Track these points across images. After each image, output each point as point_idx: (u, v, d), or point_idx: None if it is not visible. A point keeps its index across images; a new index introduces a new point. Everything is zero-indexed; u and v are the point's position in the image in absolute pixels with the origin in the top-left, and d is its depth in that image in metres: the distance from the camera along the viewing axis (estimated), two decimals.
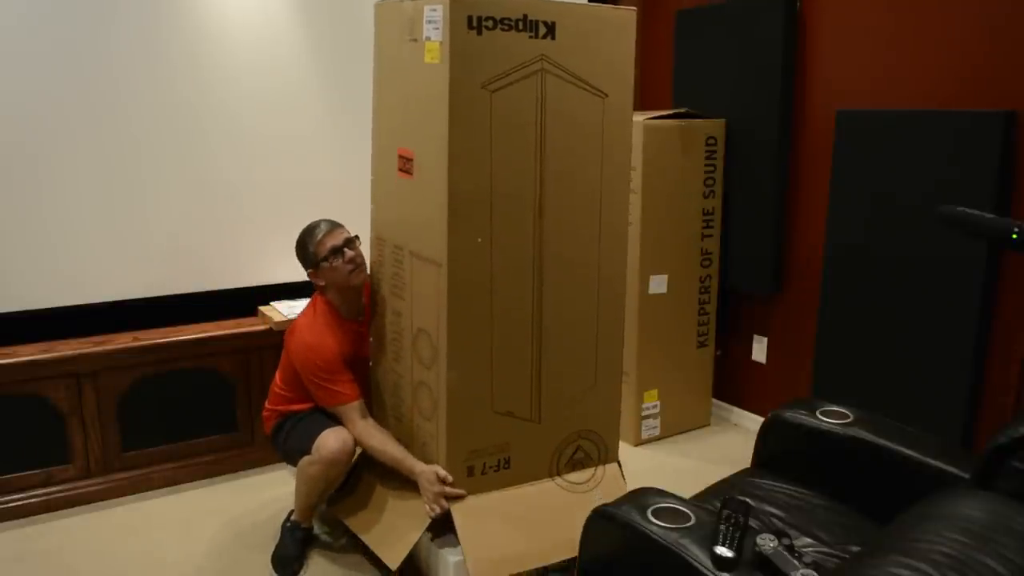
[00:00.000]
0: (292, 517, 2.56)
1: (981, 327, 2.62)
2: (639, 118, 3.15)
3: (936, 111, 2.68)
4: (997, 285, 2.62)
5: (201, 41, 3.06)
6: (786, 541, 1.48)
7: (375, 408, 2.55)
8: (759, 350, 3.52)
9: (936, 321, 2.71)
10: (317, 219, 2.46)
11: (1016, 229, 1.79)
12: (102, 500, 2.91)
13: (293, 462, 2.51)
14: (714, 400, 3.68)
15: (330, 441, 2.35)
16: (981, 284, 2.59)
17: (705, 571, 1.44)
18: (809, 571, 1.40)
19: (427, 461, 2.26)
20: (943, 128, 2.63)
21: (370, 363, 2.55)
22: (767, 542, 1.46)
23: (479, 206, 2.07)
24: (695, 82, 3.58)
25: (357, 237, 2.44)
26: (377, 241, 2.46)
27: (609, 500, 2.32)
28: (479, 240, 2.08)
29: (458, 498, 2.19)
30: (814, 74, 3.15)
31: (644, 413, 3.42)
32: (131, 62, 2.96)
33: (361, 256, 2.43)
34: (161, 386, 2.98)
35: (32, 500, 2.81)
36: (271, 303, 3.19)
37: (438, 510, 2.17)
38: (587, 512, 2.29)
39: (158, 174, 3.07)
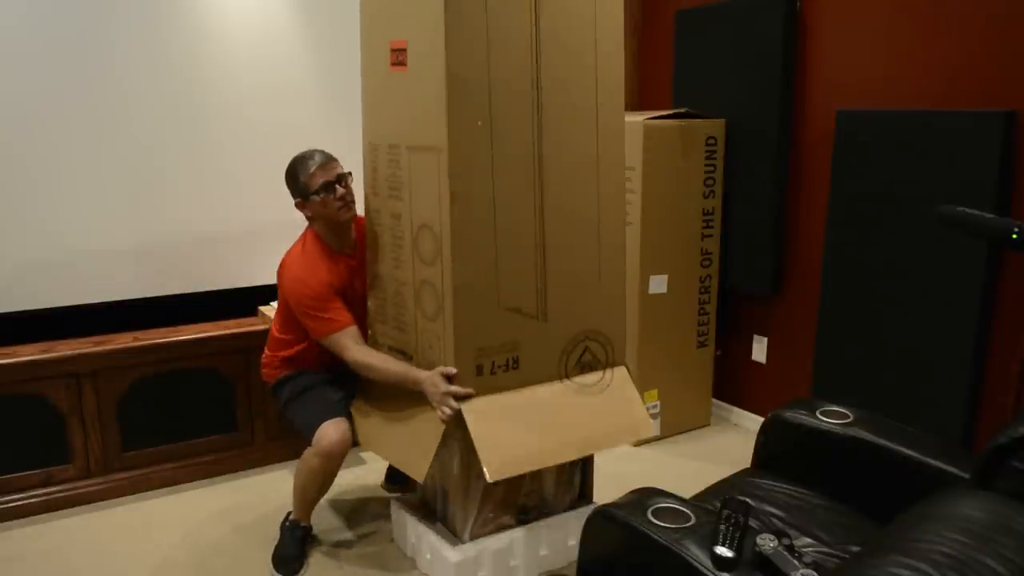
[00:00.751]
0: (291, 516, 2.56)
1: (981, 327, 2.62)
2: (639, 118, 3.15)
3: (936, 111, 2.68)
4: (997, 285, 2.62)
5: (202, 42, 3.07)
6: (786, 541, 1.48)
7: (377, 324, 2.50)
8: (759, 350, 3.53)
9: (936, 321, 2.71)
10: (311, 149, 2.42)
11: (1016, 229, 1.79)
12: (102, 500, 2.91)
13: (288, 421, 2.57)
14: (714, 400, 3.68)
15: (330, 432, 2.36)
16: (981, 284, 2.59)
17: (705, 571, 1.44)
18: (809, 571, 1.40)
19: (433, 365, 2.21)
20: (943, 128, 2.63)
21: (367, 279, 2.51)
22: (767, 542, 1.46)
23: (477, 88, 2.05)
24: (695, 82, 3.58)
25: (350, 174, 2.43)
26: (371, 149, 2.41)
27: (620, 401, 2.37)
28: (479, 123, 2.06)
29: (467, 397, 2.15)
30: (814, 74, 3.15)
31: None
32: (132, 63, 2.96)
33: (352, 194, 2.42)
34: (161, 386, 2.98)
35: (32, 500, 2.81)
36: (271, 303, 3.19)
37: (448, 412, 2.13)
38: (599, 412, 2.34)
39: (158, 175, 3.07)
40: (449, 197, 2.06)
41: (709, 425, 3.63)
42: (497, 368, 2.21)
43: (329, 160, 2.40)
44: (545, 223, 2.21)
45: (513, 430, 2.19)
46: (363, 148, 2.44)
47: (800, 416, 2.05)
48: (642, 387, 3.39)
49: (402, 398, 2.35)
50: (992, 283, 2.61)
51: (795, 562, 1.42)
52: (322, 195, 2.36)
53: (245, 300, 3.22)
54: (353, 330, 2.38)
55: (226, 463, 3.12)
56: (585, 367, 2.37)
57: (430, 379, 2.18)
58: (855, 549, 1.69)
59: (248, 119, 3.19)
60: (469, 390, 2.15)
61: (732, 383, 3.68)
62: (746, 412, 3.62)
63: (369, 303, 2.51)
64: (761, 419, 2.27)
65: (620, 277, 2.41)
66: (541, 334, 2.26)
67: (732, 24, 3.35)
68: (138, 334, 2.99)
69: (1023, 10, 2.48)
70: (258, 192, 3.25)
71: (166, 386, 2.99)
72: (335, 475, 2.48)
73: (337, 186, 2.37)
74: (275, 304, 3.16)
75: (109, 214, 3.00)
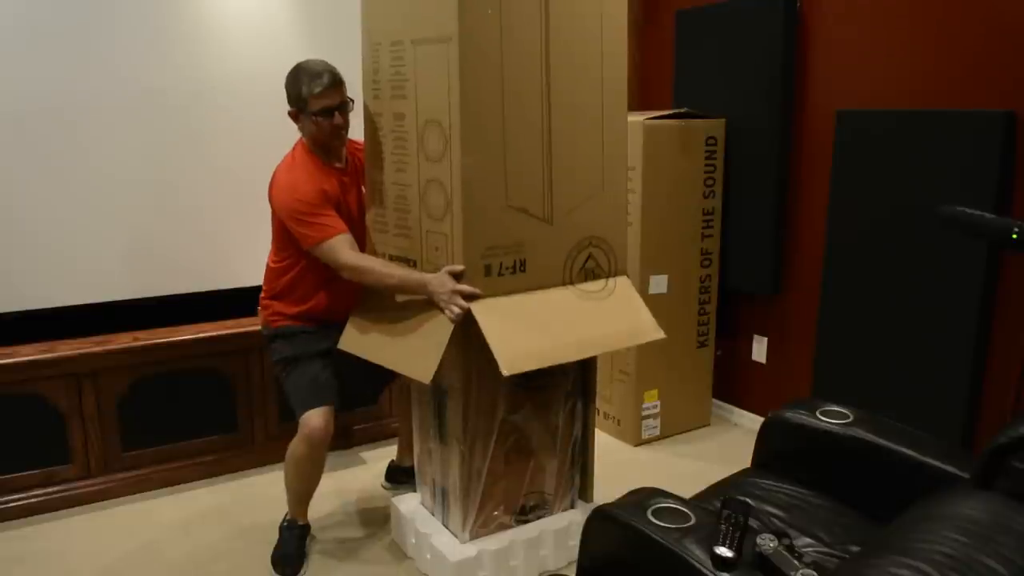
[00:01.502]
0: (288, 516, 2.57)
1: (981, 327, 2.62)
2: (639, 118, 3.15)
3: (936, 111, 2.68)
4: (997, 285, 2.62)
5: (202, 41, 3.07)
6: (786, 541, 1.48)
7: (377, 234, 2.45)
8: (759, 350, 3.53)
9: (936, 321, 2.71)
10: (322, 61, 2.36)
11: (1016, 229, 1.79)
12: (102, 500, 2.91)
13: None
14: (714, 400, 3.68)
15: (314, 419, 2.37)
16: (981, 284, 2.59)
17: (705, 571, 1.44)
18: (809, 571, 1.40)
19: (439, 269, 2.17)
20: (943, 128, 2.63)
21: (367, 190, 2.47)
22: (767, 542, 1.46)
23: None
24: (695, 82, 3.58)
25: (352, 101, 2.39)
26: (372, 49, 2.36)
27: (626, 306, 2.36)
28: (489, 11, 2.04)
29: (475, 297, 2.11)
30: (814, 74, 3.15)
31: (644, 413, 3.42)
32: (132, 62, 2.96)
33: (347, 124, 2.39)
34: (161, 386, 2.98)
35: (32, 500, 2.81)
36: None
37: (457, 310, 2.08)
38: (606, 316, 2.34)
39: (158, 174, 3.07)
40: (459, 88, 2.03)
41: (709, 425, 3.63)
42: (504, 270, 2.19)
43: (336, 84, 2.33)
44: (552, 124, 2.20)
45: (523, 328, 2.17)
46: (362, 50, 2.38)
47: (800, 416, 2.05)
48: (642, 387, 3.39)
49: (403, 308, 2.31)
50: (992, 283, 2.61)
51: (795, 562, 1.42)
52: (317, 117, 2.32)
53: (245, 300, 3.22)
54: (348, 236, 2.32)
55: (226, 463, 3.12)
56: (589, 274, 2.36)
57: (437, 278, 2.14)
58: (855, 549, 1.69)
59: (248, 118, 3.19)
60: (477, 290, 2.12)
61: (732, 383, 3.68)
62: (746, 412, 3.62)
63: (368, 215, 2.46)
64: (761, 419, 2.27)
65: (622, 189, 2.41)
66: (547, 237, 2.25)
67: (732, 24, 3.35)
68: (138, 334, 2.98)
69: (1023, 10, 2.48)
70: (259, 191, 3.24)
71: (166, 386, 2.99)
72: (322, 464, 2.49)
73: (336, 113, 2.34)
74: None
75: (109, 214, 3.00)
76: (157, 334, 3.00)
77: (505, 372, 2.05)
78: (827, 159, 3.05)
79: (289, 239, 2.40)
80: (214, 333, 3.05)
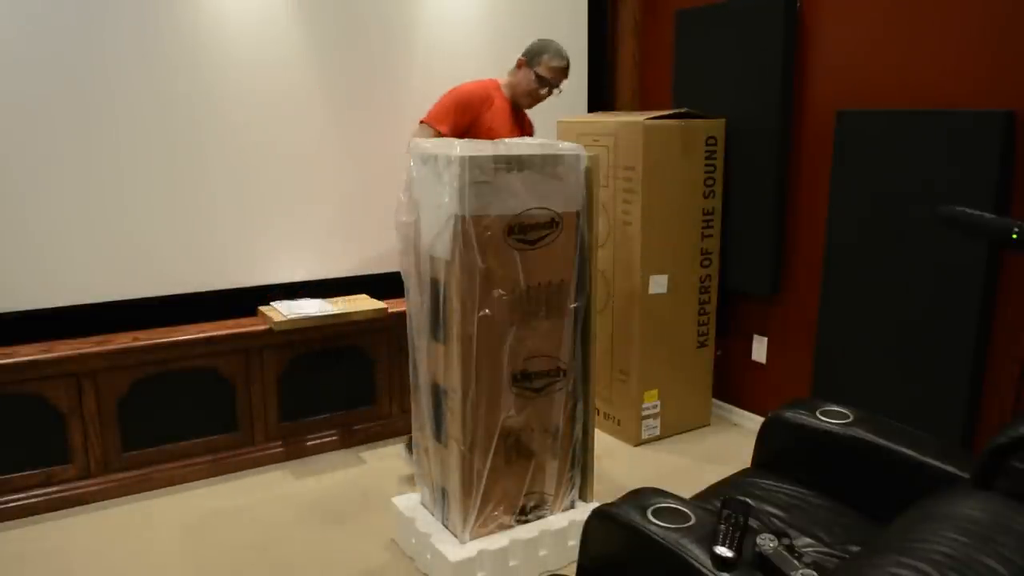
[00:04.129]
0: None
1: (981, 327, 2.62)
2: (639, 118, 3.15)
3: (936, 111, 2.68)
4: (997, 285, 2.62)
5: (201, 40, 3.06)
6: (786, 541, 1.48)
7: None
8: (759, 350, 3.53)
9: (936, 321, 2.71)
10: (564, 50, 2.87)
11: (1016, 229, 1.79)
12: (102, 500, 2.91)
13: None
14: (714, 400, 3.68)
15: None
16: (981, 284, 2.59)
17: (705, 571, 1.44)
18: (809, 571, 1.40)
19: None
20: (943, 128, 2.63)
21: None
22: (767, 542, 1.46)
23: None
24: (695, 82, 3.58)
25: (560, 91, 2.91)
26: None
27: None
28: None
29: None
30: (814, 74, 3.15)
31: (644, 413, 3.42)
32: (129, 61, 2.95)
33: (542, 100, 2.93)
34: (161, 386, 2.98)
35: (32, 500, 2.81)
36: (271, 303, 3.19)
37: None
38: None
39: (158, 174, 3.06)
40: None
41: (709, 425, 3.63)
42: None
43: (567, 70, 2.88)
44: None
45: None
46: None
47: (800, 416, 2.05)
48: (642, 387, 3.39)
49: None
50: (992, 283, 2.61)
51: (795, 562, 1.42)
52: (534, 81, 2.83)
53: (245, 300, 3.22)
54: (434, 132, 2.69)
55: (226, 463, 3.12)
56: None
57: None
58: (855, 549, 1.69)
59: (248, 120, 3.18)
60: None
61: (732, 383, 3.68)
62: (746, 412, 3.62)
63: None
64: (761, 419, 2.27)
65: None
66: None
67: (732, 24, 3.35)
68: (138, 334, 2.98)
69: (1023, 10, 2.48)
70: (258, 192, 3.25)
71: (166, 386, 2.99)
72: None
73: (550, 87, 2.85)
74: (274, 304, 3.18)
75: (109, 213, 3.00)
76: (157, 334, 3.00)
77: None
78: (827, 159, 3.05)
79: None
80: (214, 333, 3.05)
